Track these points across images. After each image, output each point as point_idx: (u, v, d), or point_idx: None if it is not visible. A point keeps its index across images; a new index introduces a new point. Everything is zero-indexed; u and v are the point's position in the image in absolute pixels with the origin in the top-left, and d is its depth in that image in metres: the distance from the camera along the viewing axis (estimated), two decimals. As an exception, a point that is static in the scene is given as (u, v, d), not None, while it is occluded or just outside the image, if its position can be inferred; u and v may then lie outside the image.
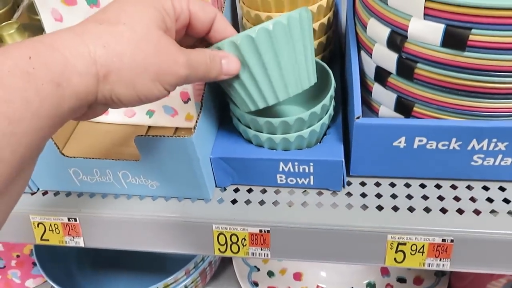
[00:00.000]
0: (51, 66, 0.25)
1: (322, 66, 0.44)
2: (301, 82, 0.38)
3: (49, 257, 0.70)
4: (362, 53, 0.42)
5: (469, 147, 0.38)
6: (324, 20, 0.47)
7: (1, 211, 0.25)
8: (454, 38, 0.33)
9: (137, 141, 0.39)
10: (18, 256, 0.83)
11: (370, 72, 0.42)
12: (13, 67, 0.23)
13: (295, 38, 0.35)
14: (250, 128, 0.42)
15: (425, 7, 0.33)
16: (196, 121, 0.39)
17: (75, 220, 0.45)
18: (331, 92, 0.41)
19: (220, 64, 0.34)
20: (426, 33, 0.34)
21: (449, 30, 0.33)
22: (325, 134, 0.44)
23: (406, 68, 0.37)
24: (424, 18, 0.34)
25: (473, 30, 0.32)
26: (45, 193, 0.48)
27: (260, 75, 0.36)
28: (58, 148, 0.42)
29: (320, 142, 0.43)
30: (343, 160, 0.40)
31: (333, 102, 0.43)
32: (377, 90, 0.42)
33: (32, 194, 0.47)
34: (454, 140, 0.37)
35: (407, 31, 0.35)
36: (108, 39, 0.27)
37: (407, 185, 0.42)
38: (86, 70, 0.26)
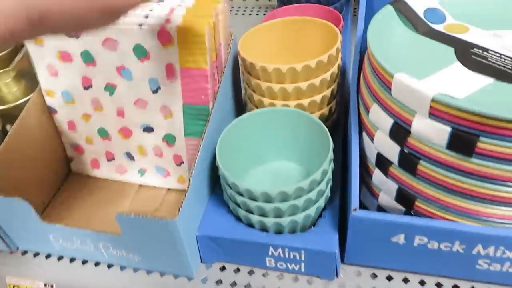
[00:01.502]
0: None
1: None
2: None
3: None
4: (364, 134, 0.40)
5: (474, 252, 0.35)
6: (327, 92, 0.45)
7: None
8: (461, 143, 0.30)
9: (118, 219, 0.37)
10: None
11: (372, 156, 0.39)
12: None
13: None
14: (240, 207, 0.39)
15: (430, 106, 0.31)
16: (182, 202, 0.36)
17: (52, 287, 0.43)
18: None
19: None
20: (431, 133, 0.31)
21: (456, 134, 0.30)
22: (320, 215, 0.41)
23: (408, 162, 0.35)
24: (429, 117, 0.31)
25: (481, 138, 0.29)
26: (24, 252, 0.45)
27: None
28: (38, 214, 0.40)
29: (314, 226, 0.40)
30: (337, 251, 0.37)
31: (330, 183, 0.41)
32: (378, 176, 0.39)
33: (11, 252, 0.45)
34: (457, 243, 0.34)
35: (410, 126, 0.33)
36: None
37: (405, 280, 0.39)
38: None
